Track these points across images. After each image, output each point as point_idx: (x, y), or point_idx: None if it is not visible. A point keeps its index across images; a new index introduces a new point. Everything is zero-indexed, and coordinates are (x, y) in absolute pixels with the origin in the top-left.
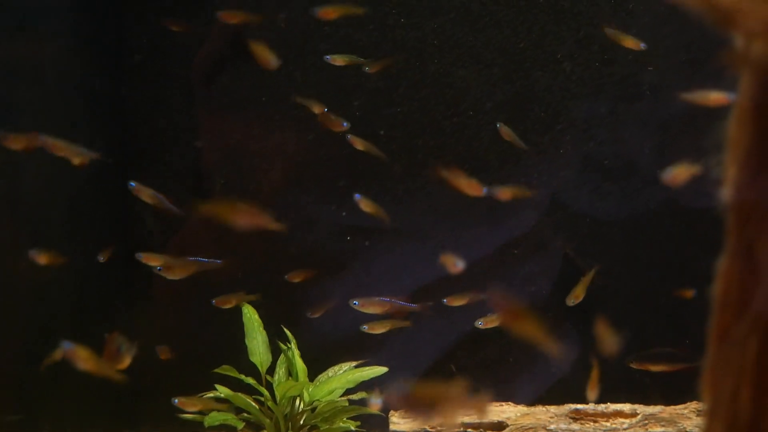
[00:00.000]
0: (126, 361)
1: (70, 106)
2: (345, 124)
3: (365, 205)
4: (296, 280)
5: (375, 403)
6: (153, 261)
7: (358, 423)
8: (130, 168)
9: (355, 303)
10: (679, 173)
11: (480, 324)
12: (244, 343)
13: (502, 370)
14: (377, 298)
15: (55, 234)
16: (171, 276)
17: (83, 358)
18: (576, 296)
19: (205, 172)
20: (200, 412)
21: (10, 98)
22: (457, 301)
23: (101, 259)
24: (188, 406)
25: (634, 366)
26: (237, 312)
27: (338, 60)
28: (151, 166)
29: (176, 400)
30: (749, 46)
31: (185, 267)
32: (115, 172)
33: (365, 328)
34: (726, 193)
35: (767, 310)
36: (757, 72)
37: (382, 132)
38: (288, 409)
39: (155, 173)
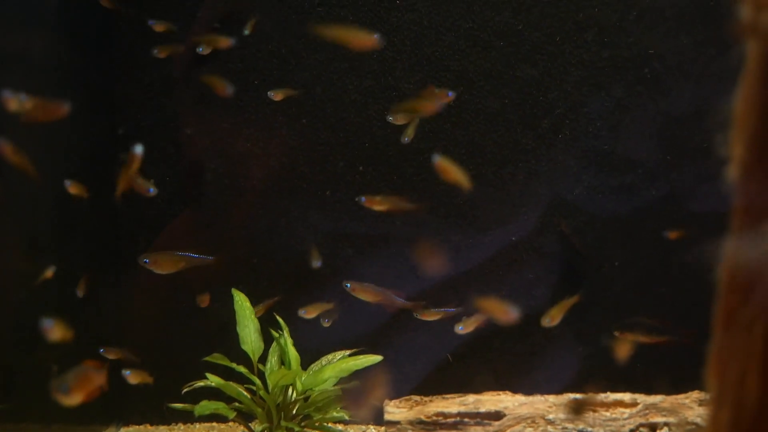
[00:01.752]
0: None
1: (60, 97)
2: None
3: None
4: (259, 314)
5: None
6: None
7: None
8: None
9: (347, 285)
10: (444, 165)
11: (461, 329)
12: (236, 331)
13: (501, 359)
14: (371, 285)
15: (47, 225)
16: (159, 270)
17: (60, 332)
18: (552, 317)
19: (193, 163)
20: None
21: None
22: (432, 316)
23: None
24: (133, 378)
25: (617, 334)
26: (229, 300)
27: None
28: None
29: (128, 372)
30: (758, 17)
31: (173, 262)
32: (107, 165)
33: (303, 312)
34: (732, 173)
35: None
36: (766, 44)
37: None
38: (280, 399)
39: (147, 163)
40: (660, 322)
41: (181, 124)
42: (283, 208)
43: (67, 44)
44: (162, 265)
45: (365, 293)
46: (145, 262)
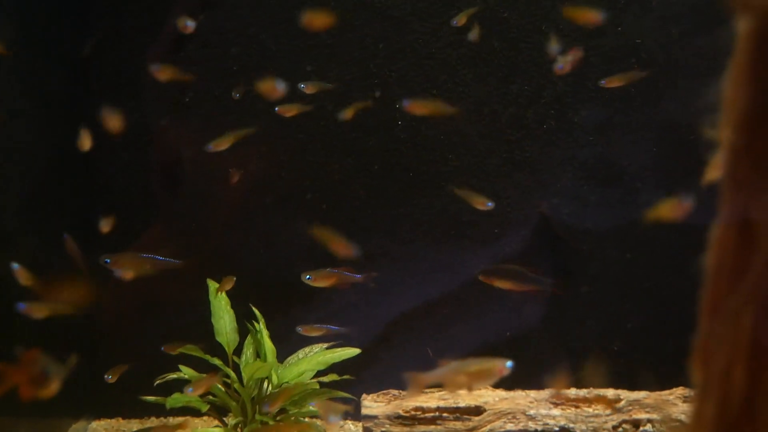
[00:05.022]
0: (53, 385)
1: (29, 100)
2: None
3: None
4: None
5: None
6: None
7: None
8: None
9: (308, 277)
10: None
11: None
12: (211, 323)
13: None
14: (327, 270)
15: (14, 217)
16: (121, 272)
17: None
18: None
19: (163, 169)
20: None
21: None
22: (314, 332)
23: None
24: None
25: (482, 279)
26: (204, 291)
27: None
28: (113, 160)
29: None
30: None
31: (137, 264)
32: (79, 164)
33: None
34: (720, 157)
35: (764, 280)
36: (759, 19)
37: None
38: (255, 392)
39: (117, 167)
40: (531, 269)
41: (155, 118)
42: (265, 203)
43: (40, 33)
44: (124, 266)
45: (324, 279)
46: (106, 262)
